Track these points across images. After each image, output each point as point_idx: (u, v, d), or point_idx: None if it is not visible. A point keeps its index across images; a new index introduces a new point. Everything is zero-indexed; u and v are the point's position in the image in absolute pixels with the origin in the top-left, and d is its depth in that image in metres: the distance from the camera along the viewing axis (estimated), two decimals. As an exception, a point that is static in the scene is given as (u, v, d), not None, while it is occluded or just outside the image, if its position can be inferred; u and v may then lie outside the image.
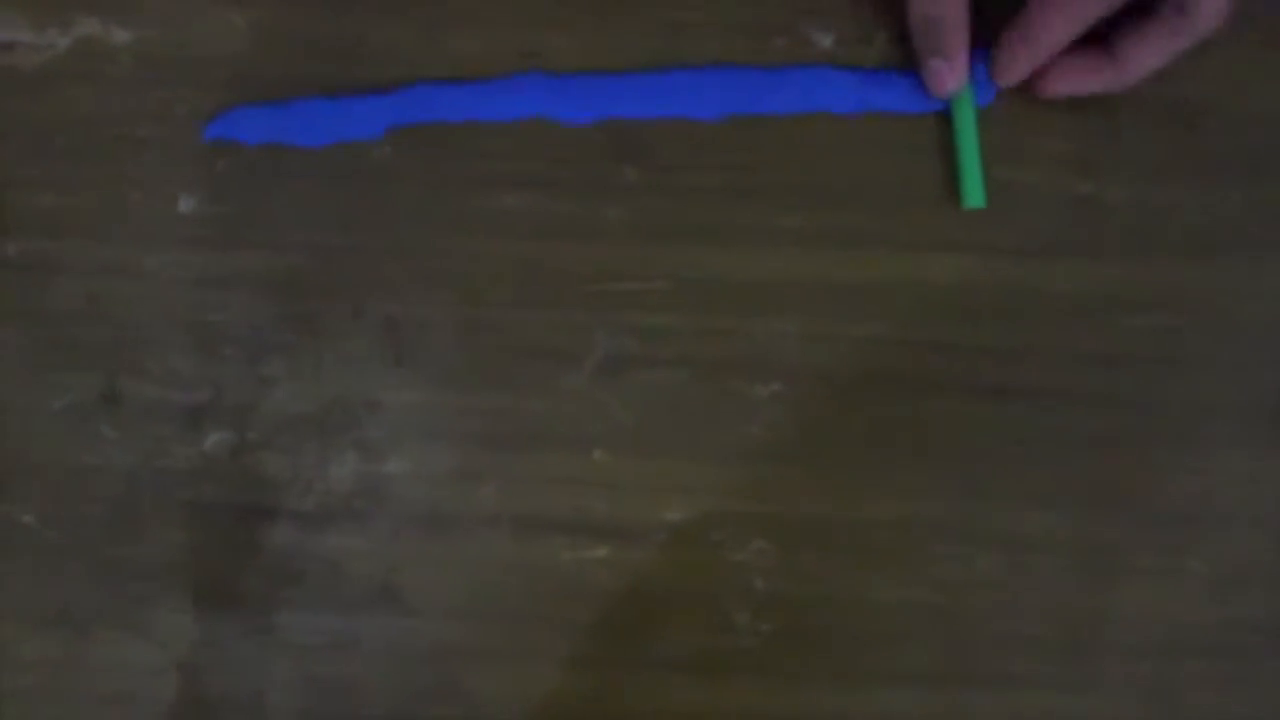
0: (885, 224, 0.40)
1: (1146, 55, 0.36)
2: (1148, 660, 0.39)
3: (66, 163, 0.40)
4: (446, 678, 0.40)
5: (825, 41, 0.39)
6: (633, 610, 0.40)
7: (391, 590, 0.40)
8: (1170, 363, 0.39)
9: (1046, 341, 0.39)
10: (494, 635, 0.40)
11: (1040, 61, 0.37)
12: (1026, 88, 0.38)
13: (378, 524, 0.40)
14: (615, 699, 0.40)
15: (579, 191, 0.40)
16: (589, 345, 0.40)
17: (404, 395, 0.40)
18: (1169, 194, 0.39)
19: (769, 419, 0.40)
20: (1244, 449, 0.39)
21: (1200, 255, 0.39)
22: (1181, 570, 0.39)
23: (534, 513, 0.40)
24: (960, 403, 0.39)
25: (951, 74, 0.37)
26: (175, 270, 0.40)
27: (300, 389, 0.40)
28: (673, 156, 0.39)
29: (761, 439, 0.40)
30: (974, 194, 0.38)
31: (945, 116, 0.39)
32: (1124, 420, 0.39)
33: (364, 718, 0.40)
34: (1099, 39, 0.36)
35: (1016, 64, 0.37)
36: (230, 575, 0.40)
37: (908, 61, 0.39)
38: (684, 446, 0.40)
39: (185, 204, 0.40)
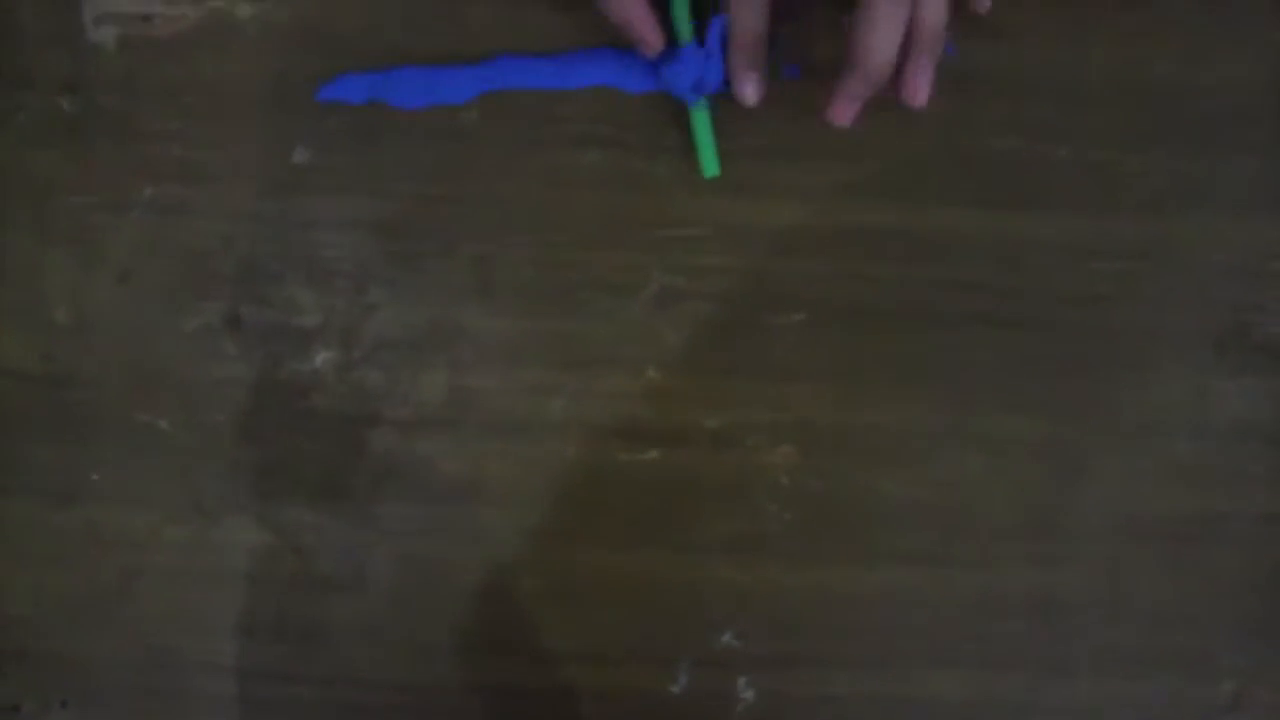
0: (898, 179, 0.45)
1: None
2: (1106, 544, 0.46)
3: (196, 119, 0.46)
4: (520, 559, 0.46)
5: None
6: (678, 502, 0.46)
7: (475, 485, 0.46)
8: (1131, 300, 0.46)
9: (1028, 280, 0.45)
10: (561, 523, 0.46)
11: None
12: None
13: (464, 430, 0.46)
14: (663, 576, 0.46)
15: (641, 150, 0.45)
16: (645, 281, 0.46)
17: (488, 321, 0.46)
18: (1135, 158, 0.45)
19: (794, 343, 0.46)
20: (1190, 371, 0.46)
21: (1160, 210, 0.45)
22: (1135, 470, 0.46)
23: (596, 421, 0.46)
24: (956, 330, 0.46)
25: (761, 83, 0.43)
26: (291, 213, 0.46)
27: (399, 315, 0.46)
28: (720, 121, 0.45)
29: (788, 360, 0.46)
30: (710, 165, 0.44)
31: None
32: (1092, 346, 0.46)
33: (451, 591, 0.46)
34: None
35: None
36: (338, 472, 0.46)
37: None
38: (723, 366, 0.46)
39: (300, 156, 0.46)
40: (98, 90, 0.46)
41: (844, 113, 0.43)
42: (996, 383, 0.46)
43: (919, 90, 0.42)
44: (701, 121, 0.44)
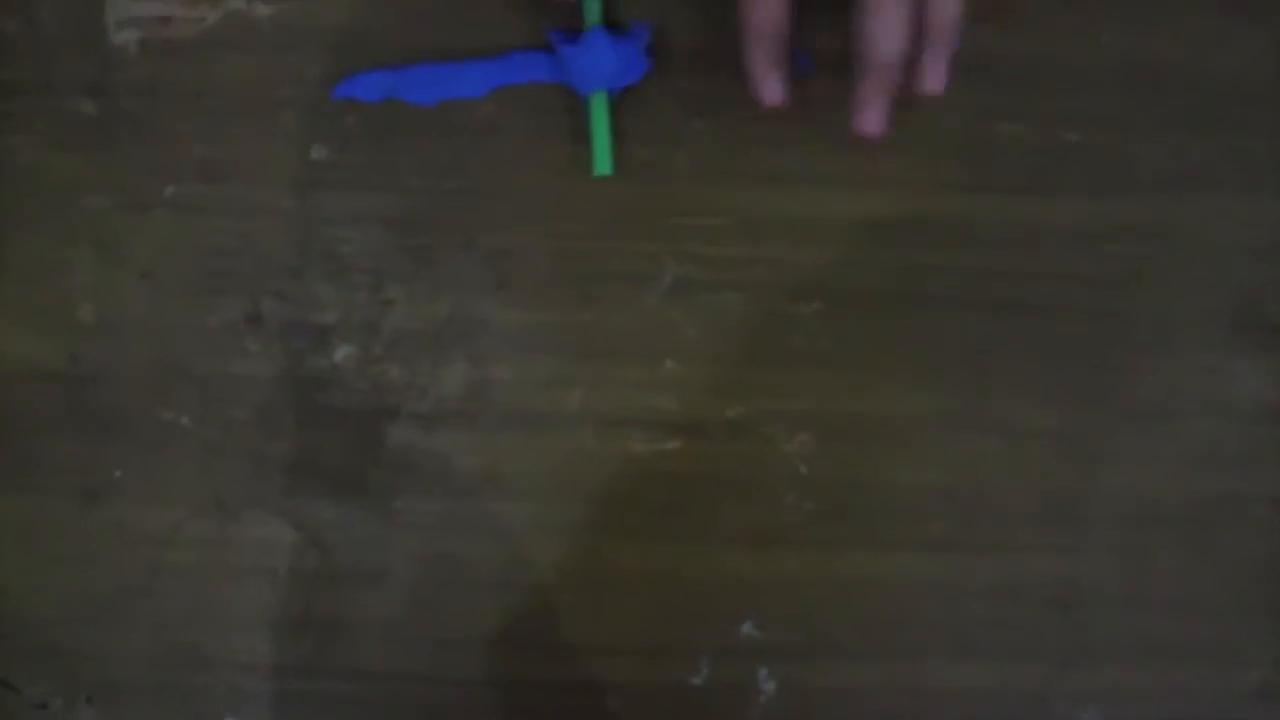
0: (910, 167, 0.45)
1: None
2: (1123, 530, 0.46)
3: (216, 118, 0.46)
4: (540, 552, 0.46)
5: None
6: (697, 494, 0.46)
7: (494, 479, 0.46)
8: (1144, 282, 0.46)
9: (1041, 265, 0.46)
10: (580, 516, 0.46)
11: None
12: None
13: (483, 423, 0.46)
14: (682, 567, 0.46)
15: (653, 140, 0.46)
16: (661, 271, 0.46)
17: (506, 314, 0.46)
18: (1142, 142, 0.45)
19: (811, 332, 0.46)
20: (1205, 353, 0.46)
21: (1168, 192, 0.45)
22: (1153, 455, 0.46)
23: (615, 413, 0.46)
24: (969, 316, 0.46)
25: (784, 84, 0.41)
26: (309, 210, 0.46)
27: (417, 309, 0.46)
28: (733, 110, 0.45)
29: (805, 349, 0.46)
30: (602, 164, 0.44)
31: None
32: (1105, 329, 0.46)
33: (471, 585, 0.46)
34: None
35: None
36: (358, 467, 0.46)
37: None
38: (740, 356, 0.46)
39: (317, 153, 0.46)
40: (119, 92, 0.46)
41: (870, 119, 0.40)
42: (1012, 369, 0.46)
43: (935, 81, 0.40)
44: (599, 113, 0.44)
